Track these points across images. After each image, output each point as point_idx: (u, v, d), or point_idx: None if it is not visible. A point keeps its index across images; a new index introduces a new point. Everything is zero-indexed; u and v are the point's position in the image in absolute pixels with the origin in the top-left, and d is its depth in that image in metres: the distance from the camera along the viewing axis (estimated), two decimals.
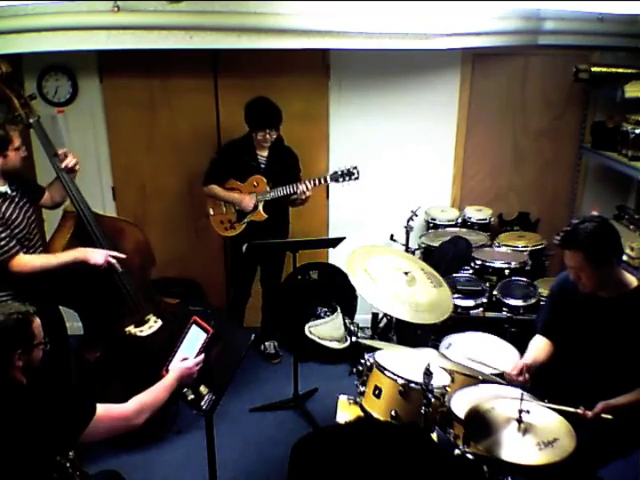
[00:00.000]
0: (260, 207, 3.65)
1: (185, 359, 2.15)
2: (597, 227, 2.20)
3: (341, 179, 3.60)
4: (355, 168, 3.60)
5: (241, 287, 3.98)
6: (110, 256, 2.84)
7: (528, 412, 1.97)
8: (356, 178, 3.61)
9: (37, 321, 1.90)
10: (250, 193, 3.64)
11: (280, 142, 3.70)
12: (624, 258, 3.43)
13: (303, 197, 3.61)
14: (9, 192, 2.67)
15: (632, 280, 2.30)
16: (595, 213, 3.95)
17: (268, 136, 3.55)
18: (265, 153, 3.67)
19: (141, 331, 3.02)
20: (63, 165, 2.86)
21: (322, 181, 3.61)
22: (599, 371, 2.28)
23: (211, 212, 3.76)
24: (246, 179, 3.65)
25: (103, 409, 1.83)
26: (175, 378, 2.08)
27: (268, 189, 3.63)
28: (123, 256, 2.89)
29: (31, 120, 2.83)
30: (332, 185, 4.22)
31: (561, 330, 2.47)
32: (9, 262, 2.58)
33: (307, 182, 3.59)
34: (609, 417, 2.13)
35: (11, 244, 2.58)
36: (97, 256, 2.79)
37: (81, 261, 2.75)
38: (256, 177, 3.64)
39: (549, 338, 2.52)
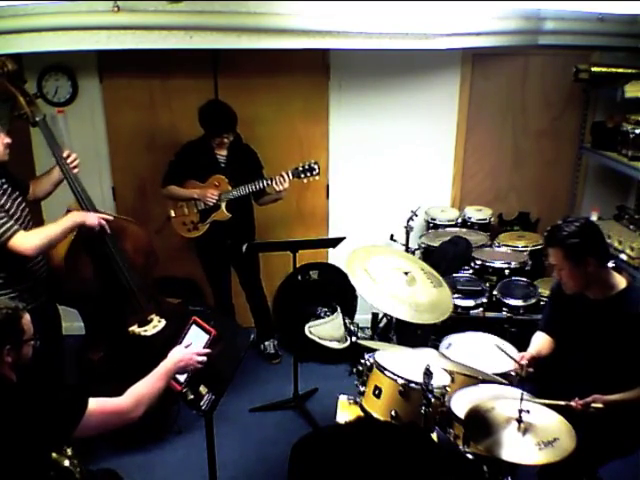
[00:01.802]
0: (223, 206, 3.61)
1: (189, 346, 2.09)
2: (579, 227, 2.22)
3: (302, 175, 3.54)
4: (316, 163, 3.55)
5: (219, 285, 3.97)
6: (101, 219, 2.83)
7: (528, 412, 1.97)
8: (317, 174, 3.57)
9: (27, 317, 1.86)
10: None
11: (238, 140, 3.66)
12: (624, 258, 3.45)
13: (279, 189, 3.52)
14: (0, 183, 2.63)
15: (620, 282, 2.30)
16: (595, 213, 3.97)
17: (226, 140, 3.53)
18: (224, 152, 3.63)
19: (145, 330, 3.02)
20: (68, 161, 2.83)
21: (285, 177, 3.51)
22: (589, 371, 2.29)
23: (172, 214, 3.70)
24: (206, 179, 3.62)
25: (96, 403, 1.79)
26: (174, 363, 2.00)
27: (230, 188, 3.60)
28: (111, 218, 2.89)
29: (37, 118, 2.79)
30: (332, 185, 4.24)
31: (559, 328, 2.49)
32: (10, 241, 2.52)
33: (278, 177, 3.50)
34: (600, 406, 2.14)
35: (10, 223, 2.52)
36: (92, 218, 2.79)
37: (79, 224, 2.75)
38: (217, 177, 3.61)
39: (550, 335, 2.54)
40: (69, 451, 1.86)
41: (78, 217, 2.76)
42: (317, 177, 3.58)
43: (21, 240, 2.55)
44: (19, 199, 2.72)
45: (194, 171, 3.62)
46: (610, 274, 2.31)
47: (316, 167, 3.54)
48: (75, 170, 2.88)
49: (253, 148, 3.72)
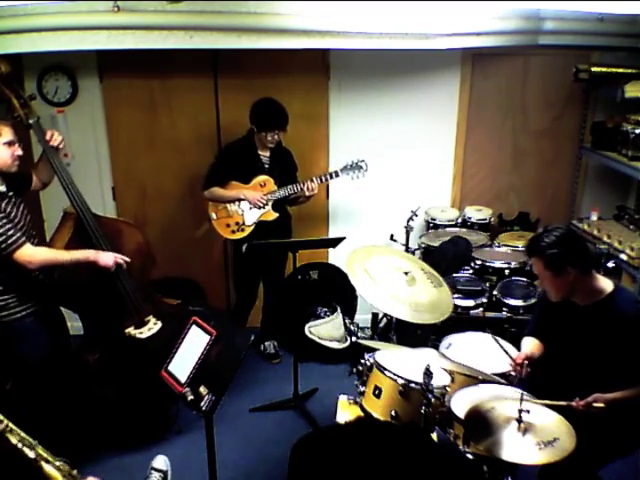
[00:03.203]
0: (269, 207, 3.65)
1: None
2: (558, 236, 2.22)
3: (351, 172, 3.67)
4: (363, 161, 3.68)
5: (247, 291, 3.97)
6: (117, 259, 2.85)
7: (528, 412, 1.97)
8: (365, 170, 3.70)
9: None
10: None
11: (279, 142, 3.71)
12: (624, 258, 3.45)
13: (310, 194, 3.64)
14: (6, 191, 2.65)
15: (607, 286, 2.30)
16: (595, 213, 3.97)
17: (277, 137, 3.57)
18: (267, 153, 3.67)
19: (140, 333, 3.01)
20: (50, 143, 2.81)
21: (333, 176, 3.67)
22: (583, 374, 2.29)
23: (214, 216, 3.68)
24: (250, 180, 3.64)
25: None
26: None
27: (276, 188, 3.63)
28: (128, 259, 2.90)
29: (30, 121, 2.80)
30: (332, 185, 4.24)
31: (546, 334, 2.50)
32: (16, 253, 2.55)
33: (317, 178, 3.63)
34: (601, 405, 2.14)
35: (18, 234, 2.56)
36: (107, 258, 2.80)
37: (91, 262, 2.76)
38: (262, 177, 3.64)
39: (537, 340, 2.54)
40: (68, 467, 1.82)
41: (92, 255, 2.77)
42: (364, 175, 3.73)
43: (27, 253, 2.59)
44: (22, 205, 2.74)
45: (238, 172, 3.63)
46: (595, 279, 2.30)
47: (363, 165, 3.68)
48: (61, 145, 2.85)
49: (290, 150, 3.77)
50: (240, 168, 3.63)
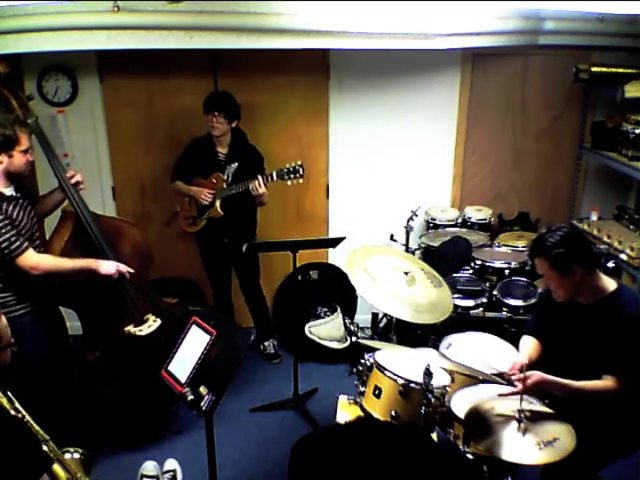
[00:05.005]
0: (217, 204, 3.63)
1: None
2: (562, 236, 2.22)
3: (287, 176, 3.47)
4: (301, 166, 3.45)
5: (217, 283, 3.99)
6: (119, 268, 2.86)
7: (528, 412, 1.97)
8: (300, 176, 3.47)
9: (3, 321, 1.80)
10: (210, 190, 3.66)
11: (242, 140, 3.68)
12: (624, 258, 3.45)
13: (256, 193, 3.49)
14: (14, 194, 2.67)
15: (610, 284, 2.30)
16: (595, 213, 3.97)
17: (215, 120, 3.51)
18: (225, 150, 3.66)
19: (140, 330, 3.02)
20: (72, 181, 2.88)
21: (269, 179, 3.48)
22: (579, 374, 2.28)
23: (178, 208, 3.82)
24: (208, 176, 3.66)
25: None
26: None
27: (225, 186, 3.62)
28: (132, 270, 2.91)
29: (29, 121, 2.81)
30: (332, 185, 4.24)
31: (546, 333, 2.50)
32: (19, 259, 2.57)
33: (262, 177, 3.46)
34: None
35: (20, 241, 2.57)
36: (109, 267, 2.82)
37: (93, 270, 2.78)
38: (215, 174, 3.64)
39: (537, 339, 2.54)
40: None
41: (94, 264, 2.80)
42: (301, 180, 3.48)
43: (31, 260, 2.61)
44: (29, 208, 2.75)
45: (197, 167, 3.66)
46: (599, 278, 2.30)
47: (300, 170, 3.45)
48: (81, 186, 2.92)
49: (260, 151, 3.71)
50: (199, 163, 3.66)
